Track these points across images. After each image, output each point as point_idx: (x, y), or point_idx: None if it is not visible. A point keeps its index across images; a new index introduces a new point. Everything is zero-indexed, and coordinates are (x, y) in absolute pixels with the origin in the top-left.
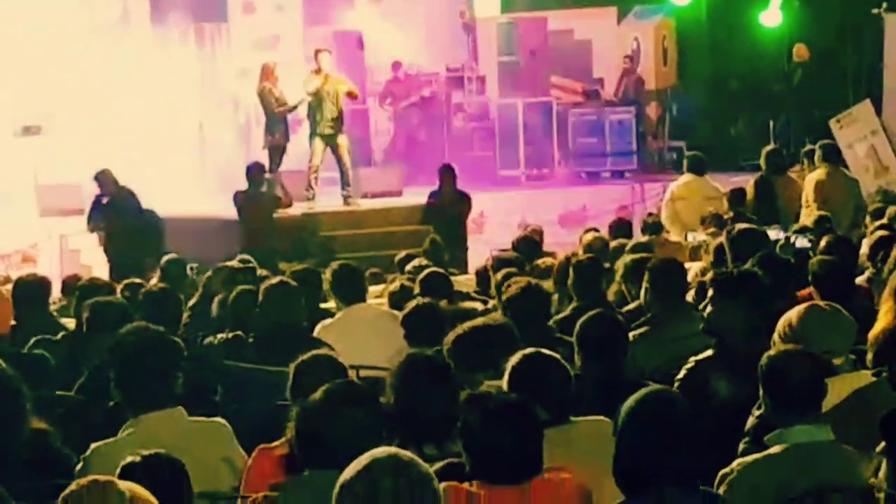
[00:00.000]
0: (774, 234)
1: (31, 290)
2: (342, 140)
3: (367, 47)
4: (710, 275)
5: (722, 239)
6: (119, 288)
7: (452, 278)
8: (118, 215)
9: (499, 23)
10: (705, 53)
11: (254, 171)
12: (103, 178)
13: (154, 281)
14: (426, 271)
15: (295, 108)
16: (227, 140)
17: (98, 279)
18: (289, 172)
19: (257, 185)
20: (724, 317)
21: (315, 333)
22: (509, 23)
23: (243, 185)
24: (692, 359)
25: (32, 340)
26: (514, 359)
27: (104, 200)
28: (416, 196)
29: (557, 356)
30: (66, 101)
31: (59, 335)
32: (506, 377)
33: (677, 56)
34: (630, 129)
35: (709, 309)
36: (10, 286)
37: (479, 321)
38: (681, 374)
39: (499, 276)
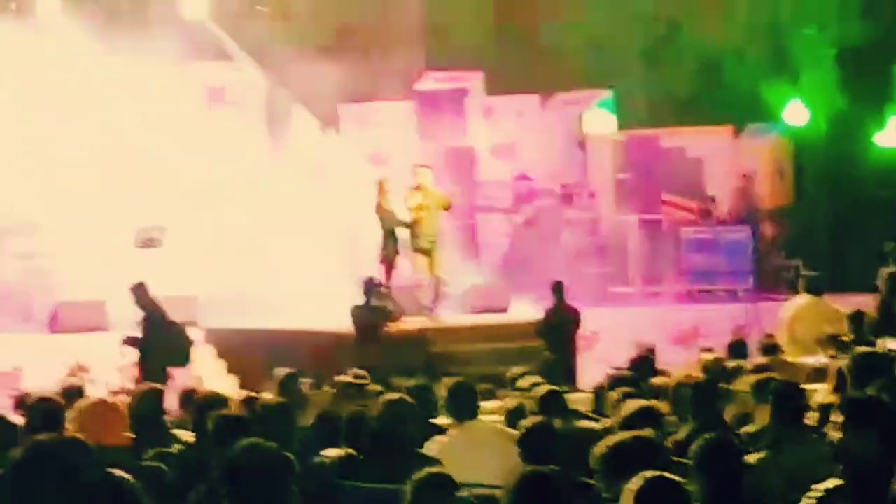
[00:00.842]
0: (895, 343)
1: (148, 403)
2: (438, 254)
3: (480, 163)
4: (836, 399)
5: (843, 362)
6: (235, 402)
7: (566, 396)
8: (150, 330)
9: (612, 140)
10: (821, 172)
11: (368, 285)
12: (138, 292)
13: (269, 395)
14: (542, 389)
15: (408, 223)
16: (342, 253)
17: (216, 392)
18: (402, 287)
19: (372, 299)
20: (855, 444)
21: (428, 450)
22: (622, 140)
23: (358, 299)
24: (817, 487)
25: (150, 453)
26: (635, 482)
27: (139, 316)
28: (527, 311)
29: (678, 479)
30: (185, 212)
31: (176, 448)
32: (623, 500)
33: (793, 174)
34: (745, 248)
35: (837, 435)
36: (125, 397)
37: (629, 434)
38: None
39: (615, 394)
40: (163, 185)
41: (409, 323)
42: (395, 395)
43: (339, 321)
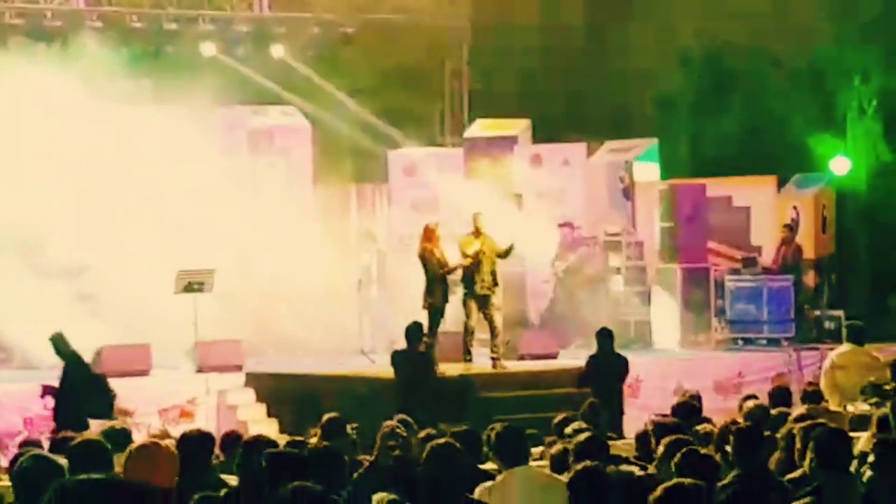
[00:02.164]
0: None
1: (195, 446)
2: (496, 301)
3: (527, 210)
4: (873, 446)
5: (885, 410)
6: (283, 444)
7: (610, 442)
8: (69, 378)
9: (658, 188)
10: (864, 223)
11: (413, 331)
12: (57, 341)
13: (314, 440)
14: (584, 436)
15: (455, 269)
16: (385, 299)
17: (263, 436)
18: (446, 333)
19: (416, 345)
20: (884, 485)
21: (476, 495)
22: (668, 188)
23: (401, 344)
24: None
25: (196, 497)
26: None
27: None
28: (574, 359)
29: None
30: (231, 258)
31: (222, 492)
32: None
33: (836, 225)
34: (788, 297)
35: (868, 474)
36: (171, 441)
37: (679, 481)
38: None
39: (665, 441)
40: (209, 229)
41: (455, 369)
42: (441, 441)
43: (383, 367)
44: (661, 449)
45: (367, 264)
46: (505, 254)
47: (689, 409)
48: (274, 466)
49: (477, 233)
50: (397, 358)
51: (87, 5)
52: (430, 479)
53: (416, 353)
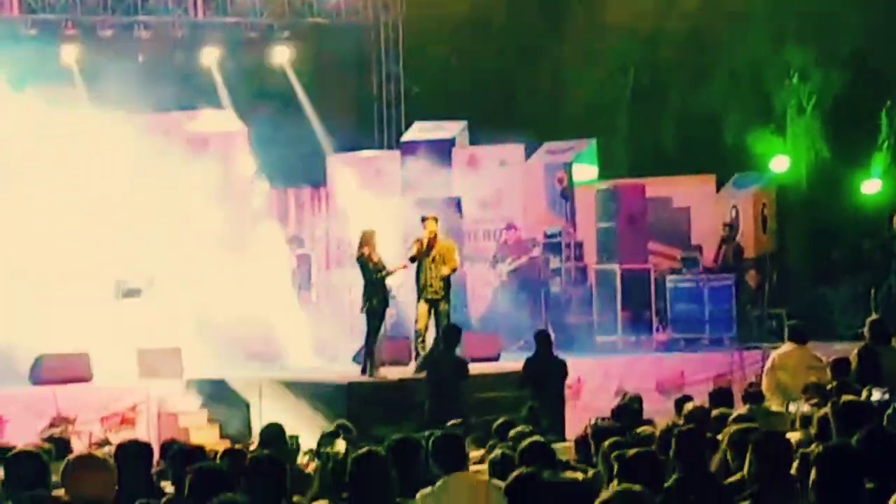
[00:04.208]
0: (878, 395)
1: (132, 456)
2: (444, 306)
3: (465, 213)
4: (814, 449)
5: (826, 410)
6: (219, 453)
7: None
8: None
9: (597, 189)
10: (805, 221)
11: (450, 333)
12: None
13: (253, 447)
14: (528, 440)
15: (391, 273)
16: (326, 303)
17: (194, 444)
18: (392, 338)
19: (453, 348)
20: (830, 497)
21: (417, 501)
22: (608, 189)
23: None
24: None
25: None
26: None
27: None
28: (513, 362)
29: None
30: (168, 264)
31: (163, 501)
32: None
33: (777, 224)
34: (729, 297)
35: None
36: (109, 448)
37: (622, 487)
38: None
39: (605, 444)
40: (146, 235)
41: (395, 373)
42: (365, 449)
43: (323, 371)
44: (601, 453)
45: (294, 268)
46: (453, 266)
47: (629, 411)
48: (197, 482)
49: (421, 237)
50: (431, 360)
51: (20, 13)
52: (356, 488)
53: (453, 357)
